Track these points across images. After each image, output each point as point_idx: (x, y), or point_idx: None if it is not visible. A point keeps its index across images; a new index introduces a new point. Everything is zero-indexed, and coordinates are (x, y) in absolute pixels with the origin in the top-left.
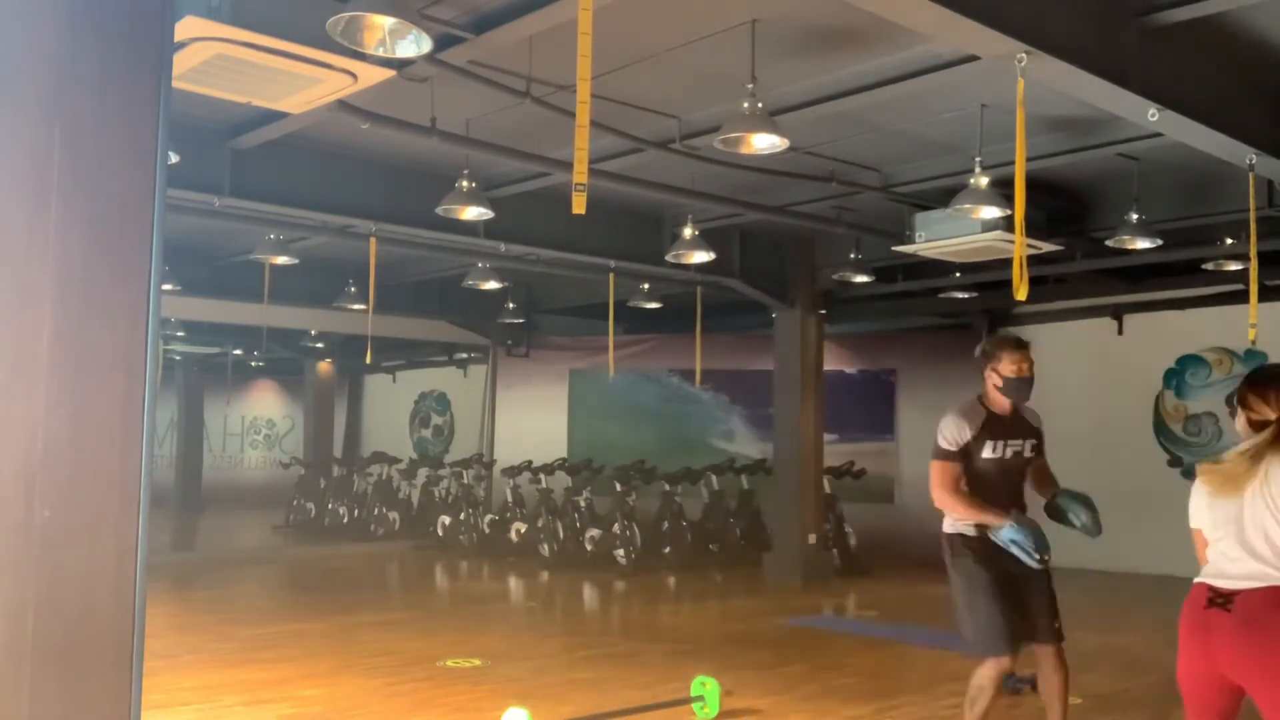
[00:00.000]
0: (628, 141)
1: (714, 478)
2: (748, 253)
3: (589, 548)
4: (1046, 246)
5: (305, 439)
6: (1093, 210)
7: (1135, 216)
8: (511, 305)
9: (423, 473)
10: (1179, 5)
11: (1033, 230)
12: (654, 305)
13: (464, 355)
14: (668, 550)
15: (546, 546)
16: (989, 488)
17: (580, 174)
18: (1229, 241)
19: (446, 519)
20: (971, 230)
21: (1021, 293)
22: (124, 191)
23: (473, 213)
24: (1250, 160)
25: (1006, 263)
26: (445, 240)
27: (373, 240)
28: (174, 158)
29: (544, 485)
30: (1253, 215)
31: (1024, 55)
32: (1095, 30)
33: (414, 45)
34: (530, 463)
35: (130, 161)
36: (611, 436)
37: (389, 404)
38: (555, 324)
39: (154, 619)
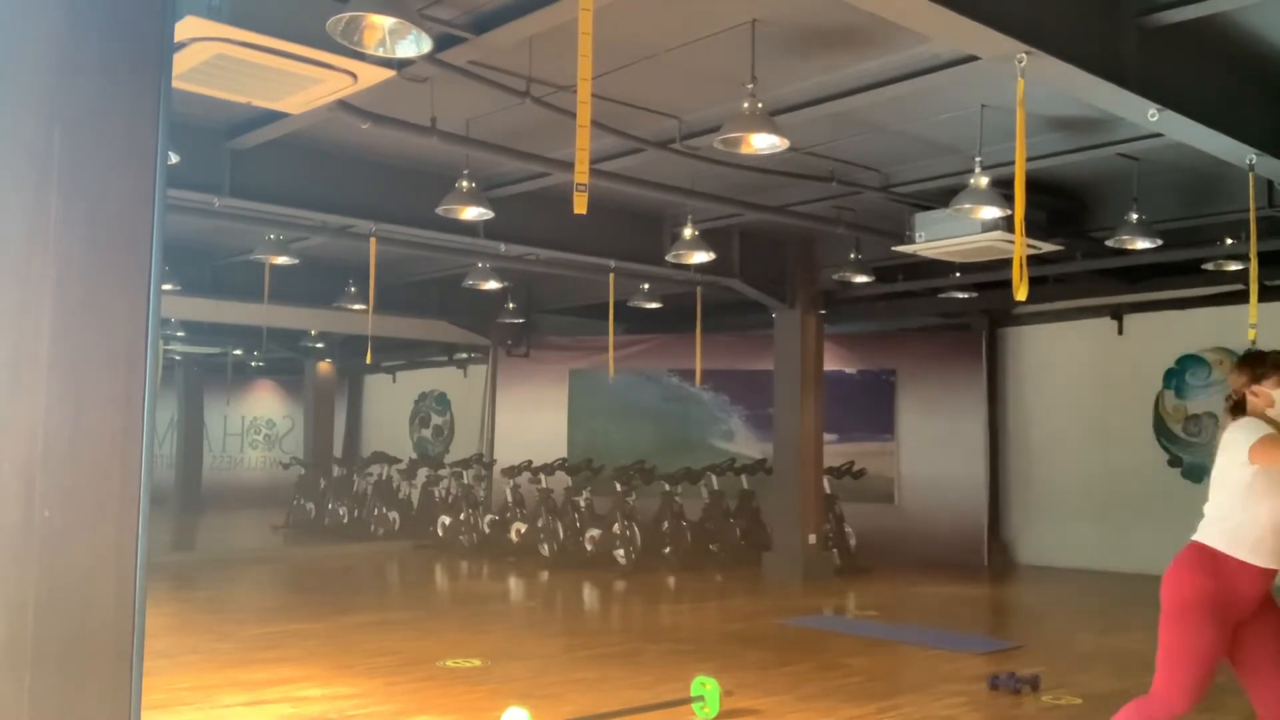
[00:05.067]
0: (628, 141)
1: (714, 478)
2: (748, 253)
3: (589, 548)
4: (1046, 246)
5: (305, 439)
6: (1093, 210)
7: (1135, 216)
8: (511, 305)
9: (423, 473)
10: (1179, 5)
11: (1033, 230)
12: (654, 305)
13: (464, 355)
14: (668, 550)
15: (546, 546)
16: None
17: (581, 174)
18: (1229, 241)
19: (446, 519)
20: (971, 230)
21: (1021, 293)
22: (124, 191)
23: (473, 213)
24: (1250, 160)
25: (1006, 263)
26: (445, 240)
27: (373, 240)
28: (174, 158)
29: (544, 485)
30: (1253, 215)
31: (1024, 55)
32: (1095, 30)
33: (414, 45)
34: (530, 463)
35: (130, 161)
36: (611, 436)
37: (389, 404)
38: (555, 324)
39: (154, 619)
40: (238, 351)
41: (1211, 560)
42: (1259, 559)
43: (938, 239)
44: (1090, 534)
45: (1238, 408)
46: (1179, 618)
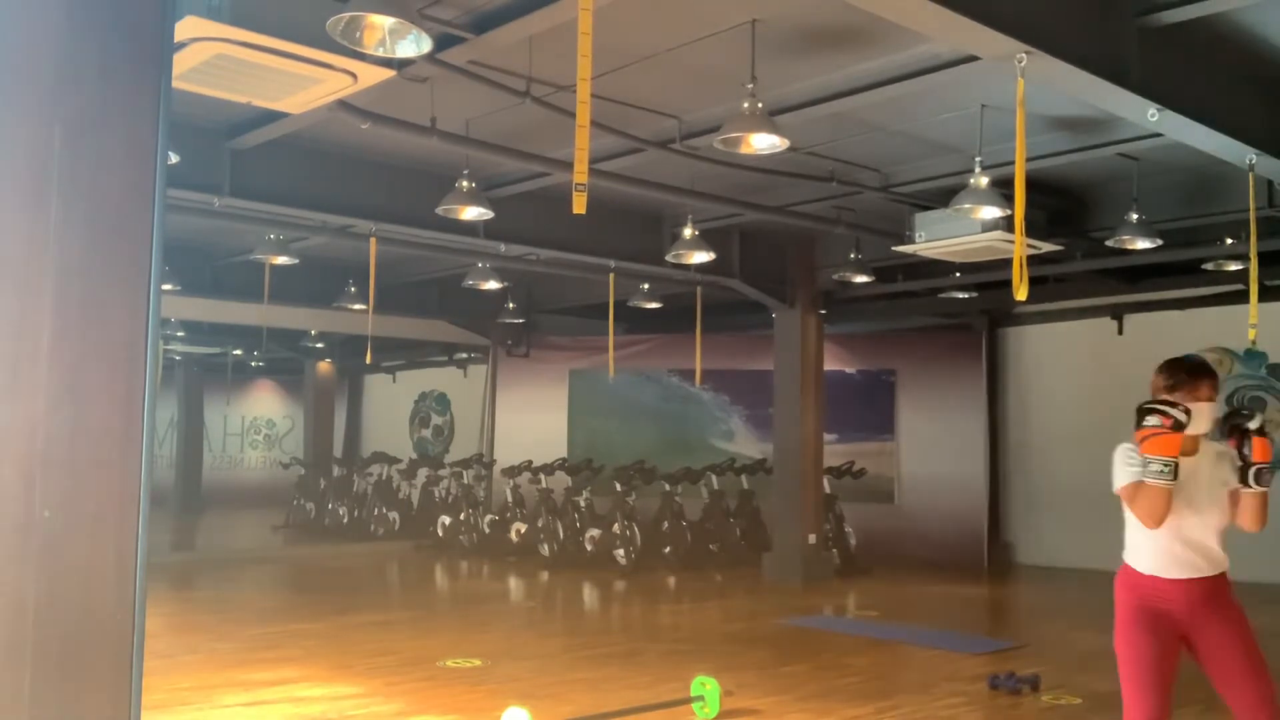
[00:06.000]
0: (628, 141)
1: (714, 478)
2: (748, 253)
3: (589, 548)
4: (1046, 246)
5: (305, 439)
6: (1093, 210)
7: (1135, 216)
8: (511, 305)
9: (423, 473)
10: (1179, 5)
11: (1033, 230)
12: (654, 305)
13: (464, 355)
14: (668, 550)
15: (546, 546)
16: None
17: (580, 174)
18: (1229, 241)
19: (446, 519)
20: (971, 230)
21: (1021, 293)
22: (124, 191)
23: (473, 213)
24: (1250, 160)
25: (1006, 263)
26: (445, 240)
27: (373, 240)
28: (174, 158)
29: (544, 485)
30: (1253, 215)
31: (1024, 55)
32: (1095, 30)
33: (414, 45)
34: (530, 463)
35: (130, 161)
36: (611, 436)
37: (389, 404)
38: (555, 324)
39: (154, 619)
40: (238, 351)
41: (1130, 575)
42: (1166, 573)
43: (938, 239)
44: (1090, 534)
45: None
46: (1119, 634)
